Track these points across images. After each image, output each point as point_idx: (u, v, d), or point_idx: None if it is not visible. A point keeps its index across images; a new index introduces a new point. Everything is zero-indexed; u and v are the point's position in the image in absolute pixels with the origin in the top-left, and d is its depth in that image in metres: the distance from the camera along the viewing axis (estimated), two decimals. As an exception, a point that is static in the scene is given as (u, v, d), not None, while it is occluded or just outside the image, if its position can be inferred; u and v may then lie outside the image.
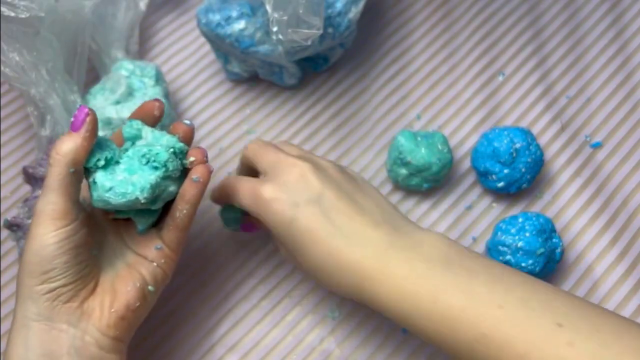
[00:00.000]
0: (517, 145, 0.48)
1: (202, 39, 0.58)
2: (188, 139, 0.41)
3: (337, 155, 0.53)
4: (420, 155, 0.48)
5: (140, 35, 0.58)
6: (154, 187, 0.37)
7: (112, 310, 0.37)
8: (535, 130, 0.54)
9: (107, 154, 0.37)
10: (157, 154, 0.37)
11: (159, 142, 0.38)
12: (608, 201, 0.51)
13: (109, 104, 0.49)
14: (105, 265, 0.39)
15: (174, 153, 0.38)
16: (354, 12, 0.51)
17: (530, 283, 0.35)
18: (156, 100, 0.40)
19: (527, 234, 0.45)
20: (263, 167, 0.42)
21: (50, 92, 0.47)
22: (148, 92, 0.50)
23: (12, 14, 0.45)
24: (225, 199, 0.44)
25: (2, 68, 0.46)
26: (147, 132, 0.39)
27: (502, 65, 0.57)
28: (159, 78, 0.52)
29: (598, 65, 0.57)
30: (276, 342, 0.46)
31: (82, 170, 0.36)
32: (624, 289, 0.47)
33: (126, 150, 0.38)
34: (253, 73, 0.56)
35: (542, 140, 0.54)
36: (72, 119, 0.36)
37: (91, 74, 0.55)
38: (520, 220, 0.45)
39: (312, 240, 0.38)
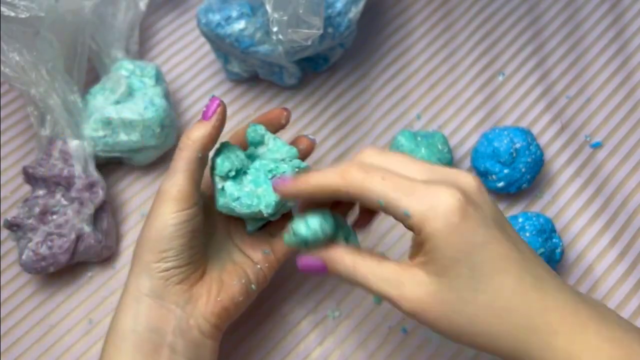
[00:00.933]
0: (517, 145, 0.48)
1: (202, 39, 0.58)
2: (307, 152, 0.43)
3: (337, 155, 0.53)
4: (420, 155, 0.48)
5: (140, 35, 0.58)
6: (278, 204, 0.38)
7: (218, 299, 0.39)
8: (535, 130, 0.54)
9: (238, 165, 0.38)
10: (284, 172, 0.39)
11: (280, 151, 0.40)
12: (608, 201, 0.51)
13: (109, 104, 0.49)
14: (212, 256, 0.40)
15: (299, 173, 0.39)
16: (354, 12, 0.51)
17: None
18: (284, 109, 0.42)
19: (527, 234, 0.45)
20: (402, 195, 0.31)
21: (50, 92, 0.47)
22: (148, 92, 0.50)
23: (12, 14, 0.45)
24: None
25: (2, 68, 0.46)
26: (270, 139, 0.41)
27: (502, 65, 0.57)
28: (159, 78, 0.52)
29: (598, 65, 0.57)
30: (276, 342, 0.46)
31: (207, 157, 0.39)
32: (624, 289, 0.47)
33: (250, 157, 0.40)
34: (253, 73, 0.56)
35: (542, 140, 0.54)
36: (204, 109, 0.38)
37: (91, 74, 0.55)
38: (520, 220, 0.45)
39: (501, 268, 0.30)
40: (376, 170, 0.32)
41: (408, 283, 0.31)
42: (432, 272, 0.31)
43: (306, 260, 0.35)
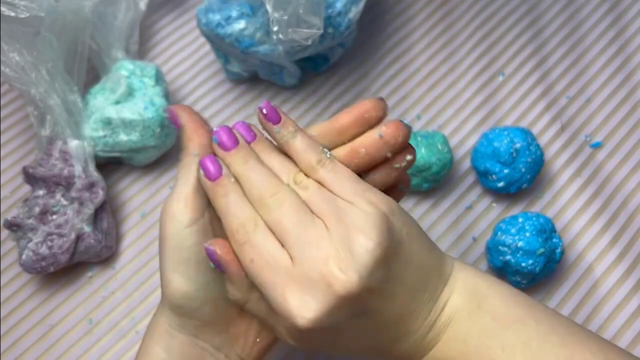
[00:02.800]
0: (517, 145, 0.48)
1: (202, 39, 0.58)
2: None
3: (337, 155, 0.53)
4: (420, 155, 0.48)
5: (140, 35, 0.58)
6: None
7: (258, 340, 0.35)
8: (535, 130, 0.54)
9: None
10: None
11: None
12: (608, 201, 0.51)
13: (109, 104, 0.49)
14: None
15: None
16: (354, 12, 0.51)
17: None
18: (379, 98, 0.34)
19: (527, 234, 0.45)
20: (283, 240, 0.31)
21: (50, 92, 0.47)
22: (148, 92, 0.50)
23: (12, 14, 0.45)
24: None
25: (2, 68, 0.46)
26: None
27: (502, 65, 0.57)
28: (159, 78, 0.52)
29: (598, 65, 0.57)
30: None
31: None
32: (624, 289, 0.47)
33: None
34: (253, 73, 0.56)
35: (542, 140, 0.54)
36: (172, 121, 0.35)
37: (91, 74, 0.55)
38: (520, 220, 0.45)
39: (356, 346, 0.33)
40: (254, 246, 0.30)
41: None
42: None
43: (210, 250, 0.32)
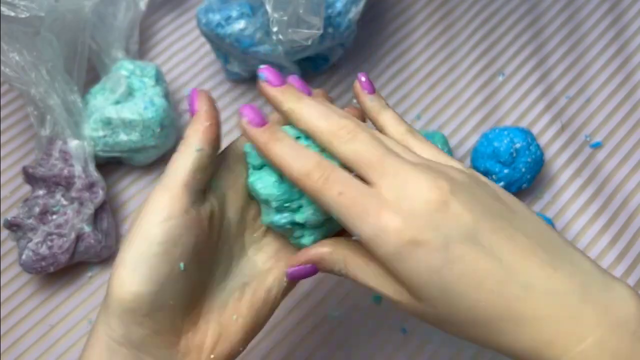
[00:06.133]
0: (517, 145, 0.48)
1: (202, 39, 0.58)
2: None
3: (337, 155, 0.53)
4: (420, 155, 0.48)
5: (140, 35, 0.58)
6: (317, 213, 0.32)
7: (212, 356, 0.31)
8: (535, 130, 0.54)
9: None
10: None
11: None
12: (608, 201, 0.51)
13: (109, 104, 0.49)
14: (215, 287, 0.32)
15: None
16: (354, 12, 0.51)
17: None
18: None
19: (527, 234, 0.45)
20: (367, 170, 0.29)
21: (50, 92, 0.47)
22: (148, 92, 0.50)
23: (12, 14, 0.45)
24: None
25: (2, 68, 0.46)
26: None
27: (502, 65, 0.58)
28: (159, 78, 0.52)
29: (598, 65, 0.57)
30: (276, 342, 0.46)
31: (211, 155, 0.31)
32: (624, 289, 0.47)
33: None
34: (253, 73, 0.56)
35: (542, 140, 0.54)
36: (189, 106, 0.32)
37: (91, 74, 0.55)
38: (520, 220, 0.45)
39: (474, 286, 0.27)
40: (338, 181, 0.28)
41: (391, 289, 0.29)
42: (405, 289, 0.29)
43: (295, 269, 0.31)
